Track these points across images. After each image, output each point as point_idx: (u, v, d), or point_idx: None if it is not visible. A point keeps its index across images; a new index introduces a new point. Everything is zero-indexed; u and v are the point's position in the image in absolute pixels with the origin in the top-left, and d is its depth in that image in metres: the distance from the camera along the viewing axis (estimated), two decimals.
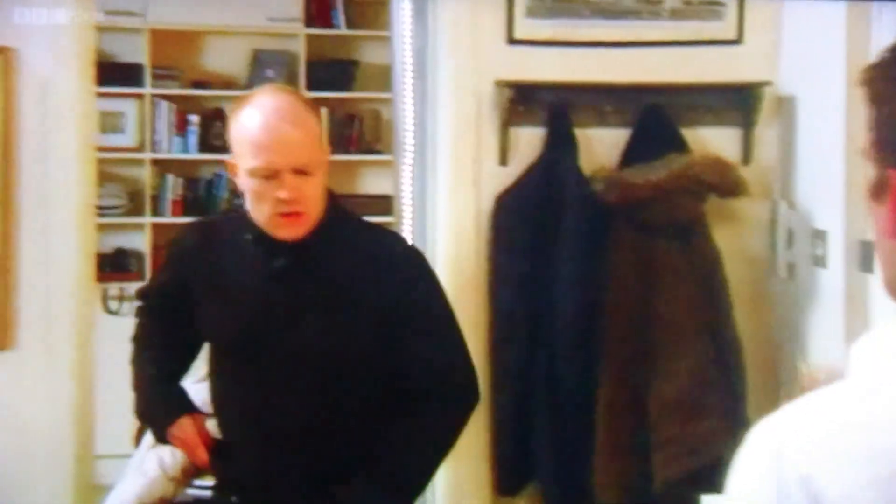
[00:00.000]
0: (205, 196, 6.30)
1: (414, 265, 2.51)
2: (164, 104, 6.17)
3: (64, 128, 3.23)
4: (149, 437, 4.43)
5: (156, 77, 6.14)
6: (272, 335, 2.39)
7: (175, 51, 6.23)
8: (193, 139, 6.23)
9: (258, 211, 2.36)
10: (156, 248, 6.11)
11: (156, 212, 6.16)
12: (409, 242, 2.62)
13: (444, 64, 3.64)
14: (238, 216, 2.49)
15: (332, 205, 2.43)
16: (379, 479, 2.37)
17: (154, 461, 4.26)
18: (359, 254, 2.44)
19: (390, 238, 2.61)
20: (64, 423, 3.26)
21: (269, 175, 2.32)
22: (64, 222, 3.23)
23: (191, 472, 4.20)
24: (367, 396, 2.42)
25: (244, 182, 2.36)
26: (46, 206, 3.21)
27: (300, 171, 2.33)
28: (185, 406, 2.54)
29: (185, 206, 6.24)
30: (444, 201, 3.64)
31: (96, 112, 3.39)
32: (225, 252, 2.47)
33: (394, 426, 2.41)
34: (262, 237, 2.40)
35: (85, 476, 3.39)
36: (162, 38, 6.12)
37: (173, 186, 6.22)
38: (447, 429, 2.49)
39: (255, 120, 2.33)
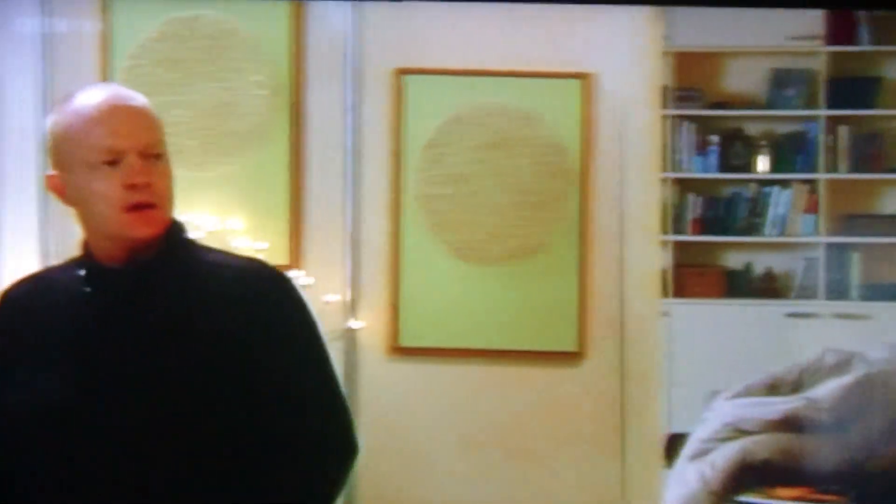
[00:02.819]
0: (724, 215, 6.36)
1: (283, 293, 2.07)
2: (686, 124, 6.31)
3: (638, 149, 3.40)
4: (689, 449, 4.56)
5: (678, 98, 6.30)
6: (109, 397, 1.94)
7: (697, 72, 6.35)
8: (714, 159, 6.32)
9: (100, 216, 1.98)
10: (677, 266, 6.28)
11: (676, 230, 6.31)
12: (271, 266, 2.11)
13: None
14: (75, 260, 2.07)
15: (174, 221, 2.05)
16: None
17: (694, 473, 4.37)
18: (213, 281, 2.03)
19: (251, 263, 2.13)
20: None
21: (112, 160, 1.96)
22: (637, 237, 3.41)
23: (731, 487, 4.27)
24: (222, 456, 1.99)
25: (80, 186, 1.98)
26: (621, 220, 3.40)
27: (148, 154, 1.98)
28: None
29: (703, 225, 6.34)
30: None
31: (662, 134, 3.53)
32: (50, 304, 2.04)
33: (255, 485, 2.00)
34: (95, 269, 2.01)
35: None
36: (685, 60, 6.27)
37: (693, 205, 6.34)
38: (317, 488, 2.05)
39: (85, 105, 1.99)
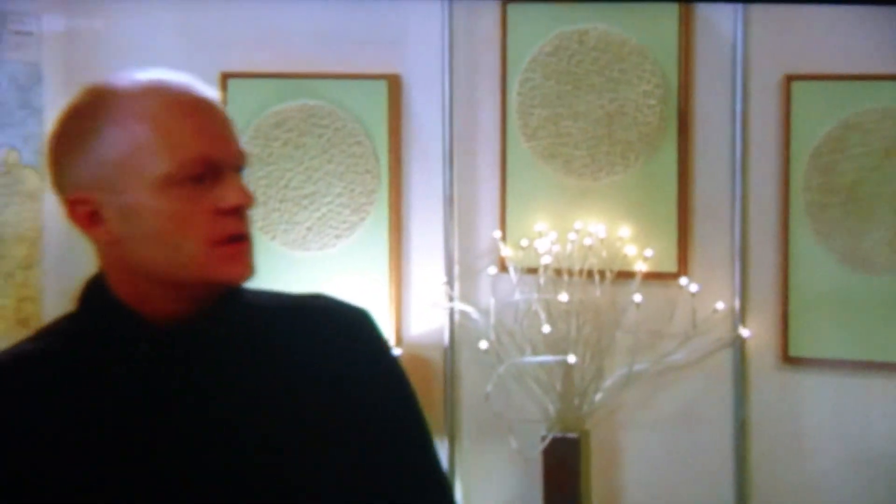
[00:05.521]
0: None
1: (373, 328, 1.62)
2: None
3: None
4: None
5: None
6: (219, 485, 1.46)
7: None
8: None
9: (175, 252, 1.44)
10: None
11: None
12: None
13: None
14: (83, 328, 1.51)
15: None
16: None
17: None
18: (294, 324, 1.57)
19: (322, 301, 1.63)
20: None
21: (200, 174, 1.43)
22: None
23: None
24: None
25: (137, 211, 1.43)
26: None
27: (240, 169, 1.49)
28: None
29: None
30: None
31: None
32: (73, 396, 1.45)
33: None
34: (159, 337, 1.46)
35: None
36: None
37: None
38: None
39: (150, 99, 1.43)
